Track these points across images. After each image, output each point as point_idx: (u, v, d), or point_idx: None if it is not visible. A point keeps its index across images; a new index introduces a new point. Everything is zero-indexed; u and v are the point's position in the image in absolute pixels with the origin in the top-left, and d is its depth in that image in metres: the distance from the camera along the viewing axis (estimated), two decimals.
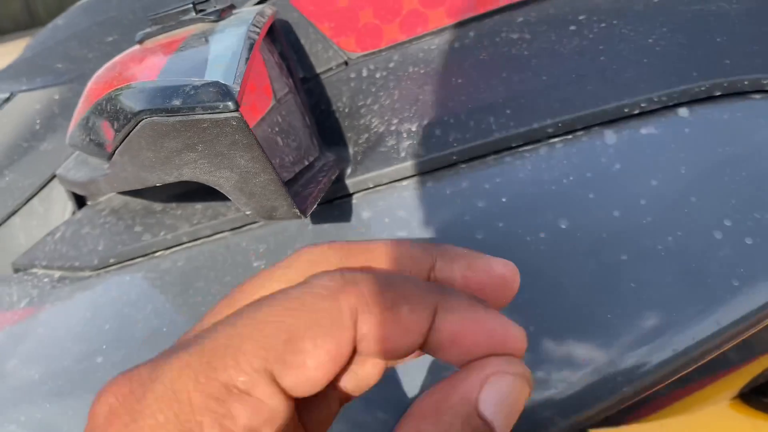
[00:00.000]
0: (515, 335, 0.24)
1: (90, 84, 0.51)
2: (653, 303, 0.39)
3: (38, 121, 0.67)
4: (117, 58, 0.50)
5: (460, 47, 0.54)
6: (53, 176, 0.67)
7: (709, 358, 0.39)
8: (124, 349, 0.47)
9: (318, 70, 0.58)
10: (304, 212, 0.37)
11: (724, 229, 0.40)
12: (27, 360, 0.50)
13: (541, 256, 0.41)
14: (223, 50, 0.37)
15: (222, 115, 0.32)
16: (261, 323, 0.21)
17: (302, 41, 0.58)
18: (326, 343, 0.21)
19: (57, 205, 0.67)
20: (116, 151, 0.38)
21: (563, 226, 0.42)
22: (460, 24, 0.56)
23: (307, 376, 0.21)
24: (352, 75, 0.57)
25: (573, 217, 0.42)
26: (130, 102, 0.35)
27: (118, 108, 0.37)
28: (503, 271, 0.27)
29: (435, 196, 0.47)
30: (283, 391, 0.21)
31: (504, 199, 0.44)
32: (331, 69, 0.58)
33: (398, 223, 0.46)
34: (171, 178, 0.36)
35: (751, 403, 0.70)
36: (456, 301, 0.24)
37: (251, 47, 0.38)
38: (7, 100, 0.68)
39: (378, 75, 0.56)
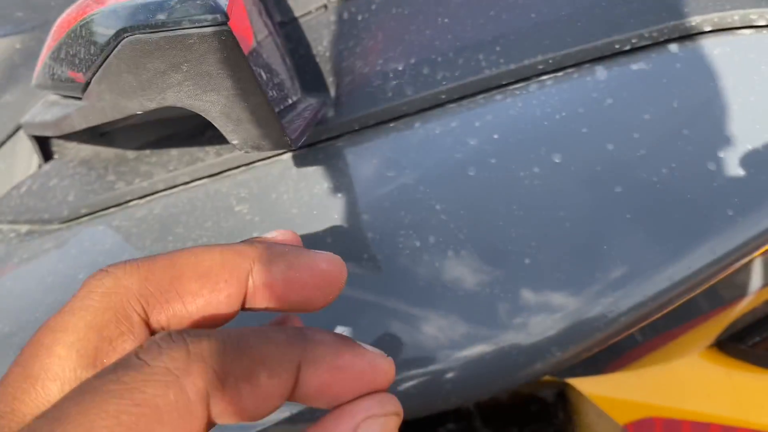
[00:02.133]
0: (384, 370, 0.23)
1: (58, 21, 0.48)
2: (649, 234, 0.39)
3: None
4: None
5: None
6: (16, 130, 0.64)
7: (704, 288, 0.39)
8: None
9: (296, 14, 0.56)
10: (294, 141, 0.35)
11: (718, 160, 0.40)
12: None
13: (535, 190, 0.40)
14: None
15: (210, 29, 0.30)
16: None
17: None
18: None
19: (21, 161, 0.64)
20: (93, 79, 0.36)
21: (557, 161, 0.41)
22: None
23: None
24: (333, 18, 0.55)
25: (566, 151, 0.42)
26: (109, 21, 0.33)
27: (95, 31, 0.35)
28: (328, 268, 0.26)
29: (424, 136, 0.45)
30: None
31: (496, 136, 0.43)
32: (310, 12, 0.56)
33: (386, 164, 0.45)
34: (153, 104, 0.34)
35: (727, 350, 0.71)
36: (321, 350, 0.22)
37: None
38: None
39: (360, 17, 0.54)
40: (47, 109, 0.50)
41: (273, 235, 0.30)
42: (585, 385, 0.64)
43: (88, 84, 0.37)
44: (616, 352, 0.68)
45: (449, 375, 0.37)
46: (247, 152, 0.41)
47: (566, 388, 0.64)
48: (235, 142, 0.36)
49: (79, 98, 0.42)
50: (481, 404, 0.62)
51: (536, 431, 0.57)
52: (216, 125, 0.35)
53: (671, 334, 0.69)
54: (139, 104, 0.35)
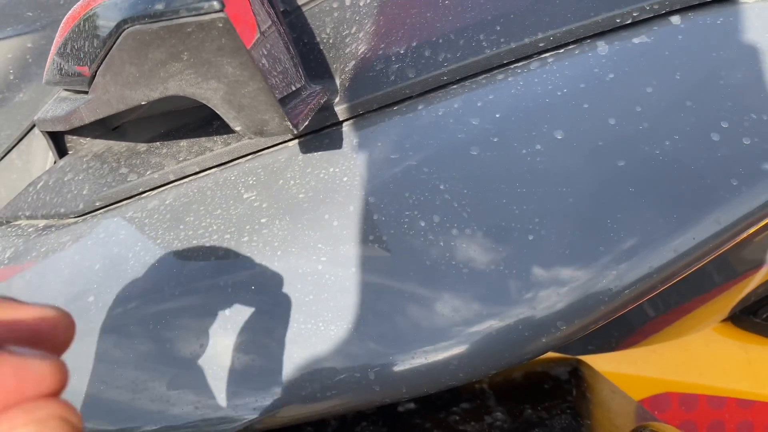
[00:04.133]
0: (45, 373, 0.21)
1: (66, 17, 0.49)
2: (653, 206, 0.39)
3: (11, 71, 0.65)
4: None
5: None
6: (31, 128, 0.65)
7: (709, 259, 0.39)
8: (116, 287, 0.46)
9: (299, 2, 0.57)
10: (296, 126, 0.36)
11: (722, 131, 0.40)
12: None
13: (537, 167, 0.41)
14: None
15: (207, 17, 0.31)
16: None
17: None
18: None
19: (37, 158, 0.65)
20: (97, 72, 0.37)
21: (559, 137, 0.41)
22: None
23: None
24: (335, 5, 0.56)
25: (568, 127, 0.42)
26: (110, 14, 0.34)
27: (97, 24, 0.35)
28: (41, 322, 0.23)
29: (427, 118, 0.46)
30: None
31: (498, 115, 0.44)
32: (313, 0, 0.56)
33: (391, 146, 0.45)
34: (156, 94, 0.35)
35: (741, 324, 0.71)
36: None
37: None
38: None
39: (362, 2, 0.54)
40: (58, 105, 0.51)
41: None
42: (598, 362, 0.65)
43: (93, 77, 0.38)
44: (628, 327, 0.68)
45: (456, 352, 0.38)
46: (250, 138, 0.42)
47: (579, 365, 0.64)
48: (238, 128, 0.37)
49: (86, 92, 0.43)
50: (494, 383, 0.62)
51: (550, 408, 0.57)
52: (219, 112, 0.36)
53: (684, 308, 0.69)
54: (143, 94, 0.36)
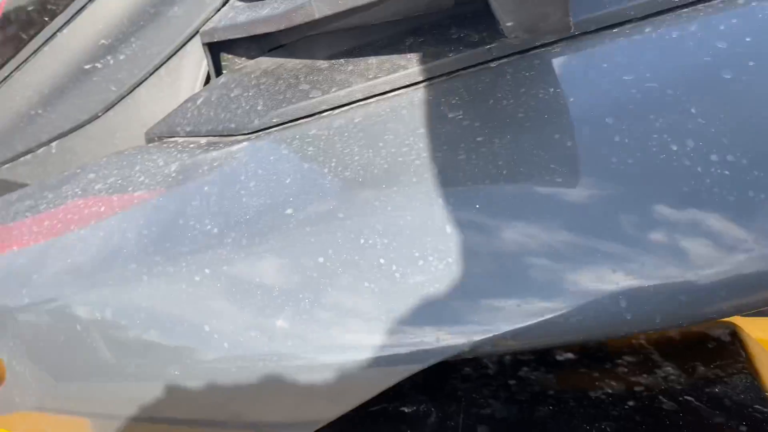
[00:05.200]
0: None
1: None
2: None
3: None
4: None
5: None
6: (184, 44, 0.63)
7: None
8: (315, 201, 0.44)
9: None
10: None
11: None
12: (198, 216, 0.47)
13: None
14: None
15: None
16: None
17: None
18: None
19: (187, 74, 0.63)
20: None
21: None
22: None
23: None
24: None
25: None
26: None
27: None
28: None
29: (659, 40, 0.42)
30: None
31: (748, 39, 0.40)
32: None
33: (620, 68, 0.42)
34: None
35: None
36: None
37: None
38: None
39: None
40: (245, 12, 0.49)
41: None
42: (753, 328, 0.62)
43: None
44: None
45: (724, 283, 0.35)
46: (515, 37, 0.38)
47: (736, 328, 0.61)
48: (509, 24, 0.34)
49: None
50: (652, 340, 0.60)
51: (725, 367, 0.55)
52: (493, 4, 0.33)
53: None
54: None
